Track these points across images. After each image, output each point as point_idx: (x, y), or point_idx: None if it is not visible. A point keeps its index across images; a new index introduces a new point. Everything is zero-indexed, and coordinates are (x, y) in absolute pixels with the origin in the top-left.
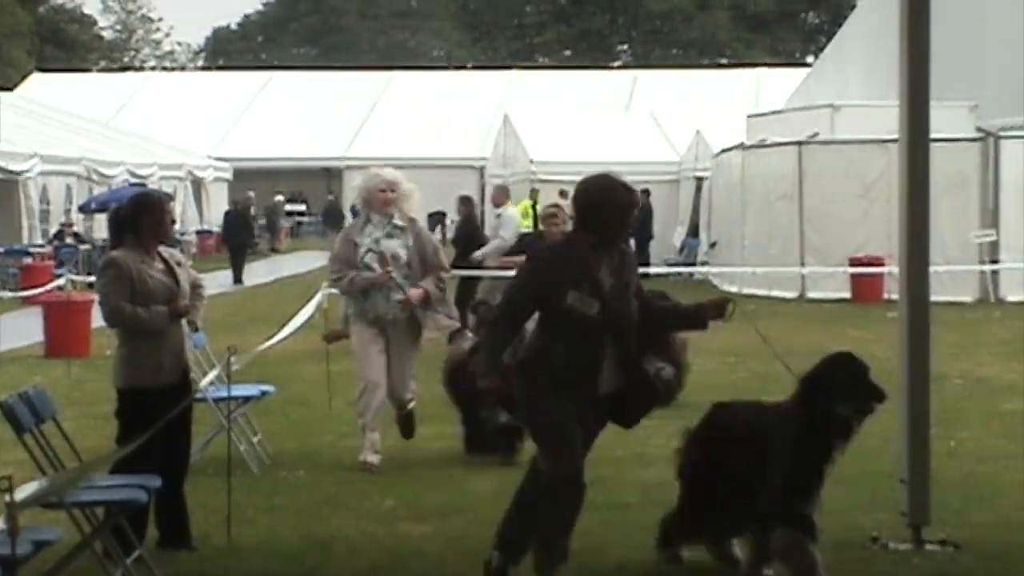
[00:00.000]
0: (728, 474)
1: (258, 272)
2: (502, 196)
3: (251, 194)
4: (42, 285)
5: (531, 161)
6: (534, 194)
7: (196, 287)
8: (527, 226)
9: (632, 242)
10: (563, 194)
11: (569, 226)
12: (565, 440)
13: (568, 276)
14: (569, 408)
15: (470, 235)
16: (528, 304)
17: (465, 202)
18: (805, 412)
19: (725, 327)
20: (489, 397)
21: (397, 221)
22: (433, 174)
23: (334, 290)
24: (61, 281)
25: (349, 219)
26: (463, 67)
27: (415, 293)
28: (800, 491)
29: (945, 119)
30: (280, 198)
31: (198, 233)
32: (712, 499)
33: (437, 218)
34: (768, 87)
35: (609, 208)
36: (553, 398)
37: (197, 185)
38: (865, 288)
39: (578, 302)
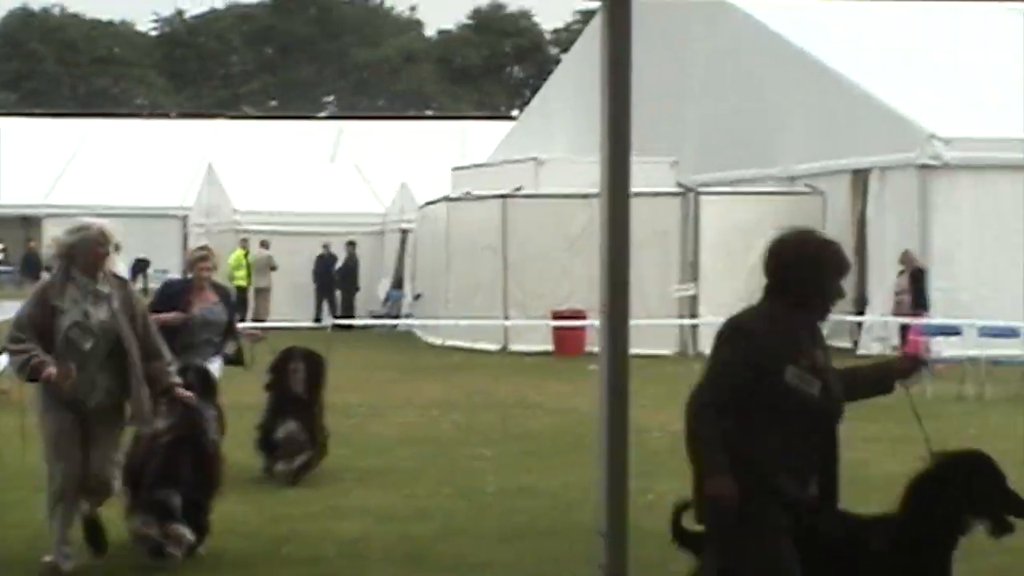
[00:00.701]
0: None
1: None
2: None
3: None
4: None
5: (235, 211)
6: (245, 244)
7: None
8: (241, 277)
9: (339, 294)
10: (264, 245)
11: (218, 274)
12: None
13: (783, 349)
14: (786, 543)
15: None
16: (746, 384)
17: None
18: (923, 526)
19: (435, 378)
20: (728, 504)
21: (102, 284)
22: (135, 223)
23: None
24: None
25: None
26: (167, 115)
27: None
28: None
29: (647, 174)
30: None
31: None
32: None
33: (140, 266)
34: (474, 140)
35: (810, 266)
36: (766, 523)
37: None
38: (567, 341)
39: (798, 379)
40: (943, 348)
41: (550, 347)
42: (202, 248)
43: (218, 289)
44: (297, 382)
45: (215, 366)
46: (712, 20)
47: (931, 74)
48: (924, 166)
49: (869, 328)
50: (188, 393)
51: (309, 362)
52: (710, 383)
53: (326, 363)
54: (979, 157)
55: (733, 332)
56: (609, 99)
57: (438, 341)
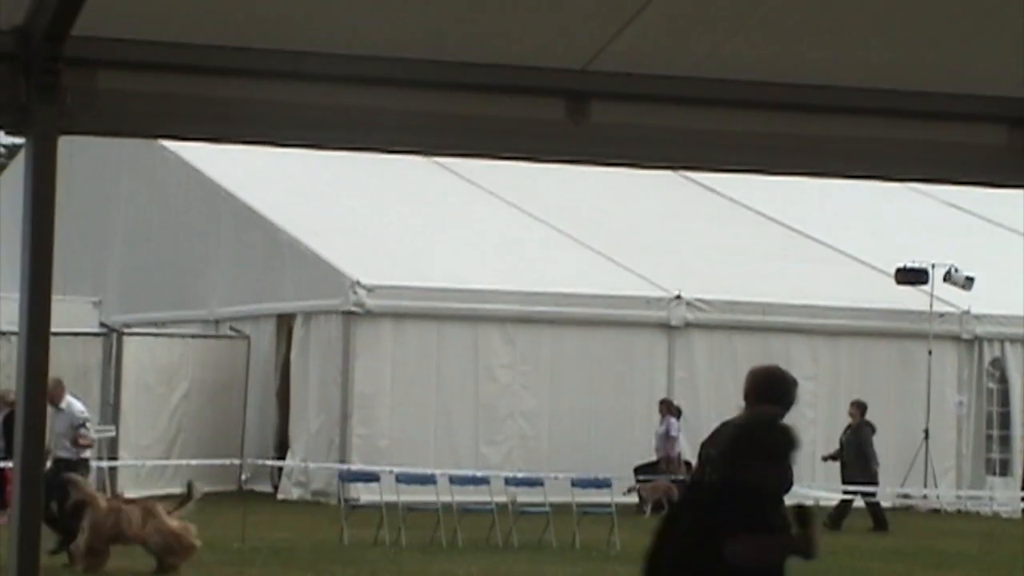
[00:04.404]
0: None
1: None
2: None
3: None
4: None
5: None
6: None
7: None
8: None
9: None
10: None
11: None
12: None
13: None
14: None
15: None
16: None
17: None
18: None
19: None
20: None
21: None
22: None
23: None
24: None
25: None
26: None
27: None
28: None
29: (69, 313)
30: None
31: None
32: None
33: None
34: None
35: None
36: None
37: None
38: None
39: None
40: (361, 494)
41: None
42: None
43: None
44: None
45: None
46: (140, 160)
47: (356, 224)
48: (348, 312)
49: (290, 472)
50: None
51: None
52: None
53: None
54: (399, 305)
55: None
56: (31, 236)
57: None
